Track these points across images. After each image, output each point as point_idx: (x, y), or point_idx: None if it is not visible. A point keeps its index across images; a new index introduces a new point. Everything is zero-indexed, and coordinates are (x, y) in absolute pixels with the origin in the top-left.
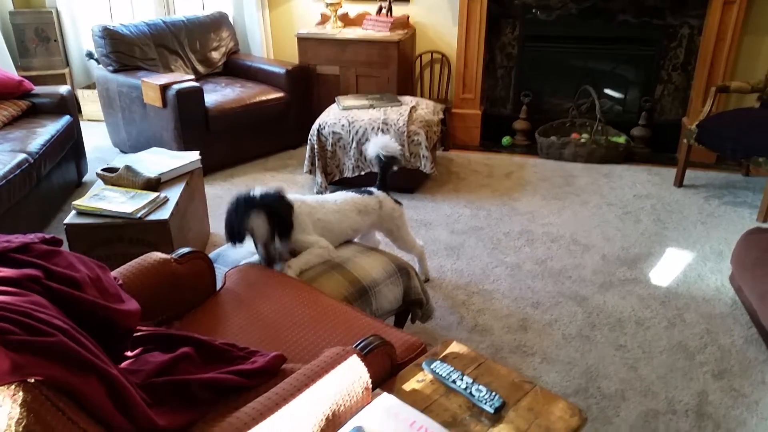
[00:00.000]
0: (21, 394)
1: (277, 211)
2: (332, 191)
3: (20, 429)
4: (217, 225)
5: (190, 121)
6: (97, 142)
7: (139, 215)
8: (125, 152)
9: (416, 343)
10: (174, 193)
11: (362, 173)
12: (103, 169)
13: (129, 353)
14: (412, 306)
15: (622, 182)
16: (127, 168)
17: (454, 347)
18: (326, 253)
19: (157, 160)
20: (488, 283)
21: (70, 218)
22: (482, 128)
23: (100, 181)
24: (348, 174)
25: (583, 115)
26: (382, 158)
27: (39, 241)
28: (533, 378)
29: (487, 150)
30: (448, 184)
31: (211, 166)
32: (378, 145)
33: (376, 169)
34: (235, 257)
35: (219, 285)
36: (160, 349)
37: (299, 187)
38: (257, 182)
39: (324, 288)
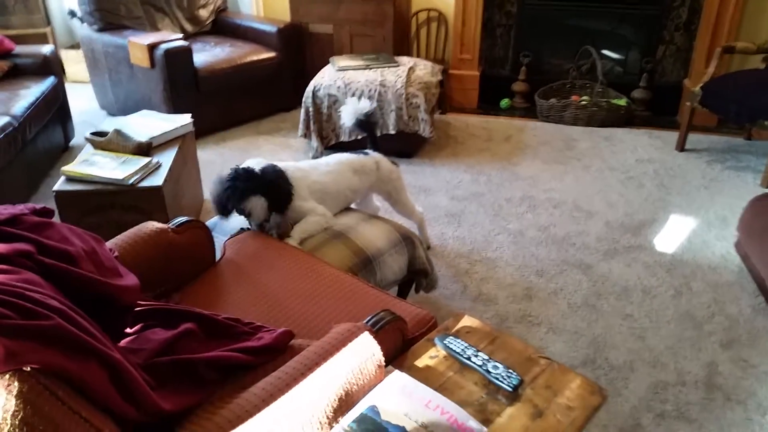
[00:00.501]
0: (16, 384)
1: (277, 193)
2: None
3: (17, 422)
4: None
5: (180, 82)
6: (84, 104)
7: (131, 181)
8: (113, 115)
9: (427, 316)
10: (166, 158)
11: (359, 137)
12: (92, 133)
13: (129, 330)
14: (417, 276)
15: (624, 146)
16: (117, 132)
17: (466, 321)
18: (323, 221)
19: (148, 124)
20: (491, 251)
21: (60, 185)
22: (480, 90)
23: (88, 146)
24: (344, 138)
25: (584, 77)
26: (363, 120)
27: (29, 212)
28: (540, 348)
29: (485, 113)
30: (446, 148)
31: (202, 130)
32: (351, 112)
33: (360, 133)
34: (234, 225)
35: (218, 255)
36: (161, 325)
37: (294, 152)
38: (251, 147)
39: (327, 258)
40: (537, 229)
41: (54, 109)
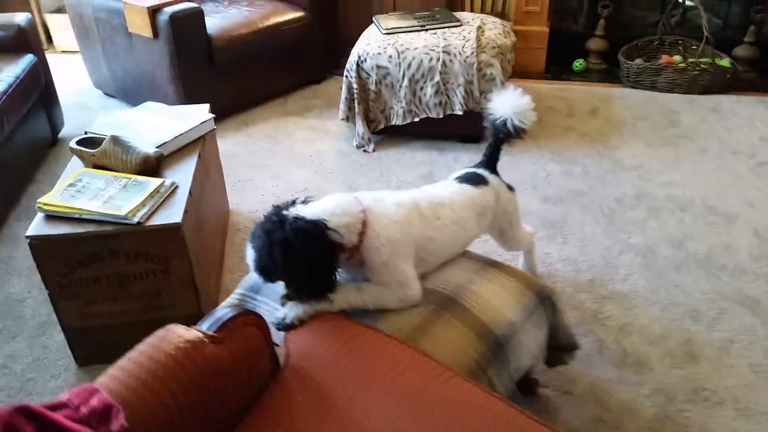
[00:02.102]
0: None
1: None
2: (376, 144)
3: None
4: (238, 197)
5: (190, 55)
6: (75, 82)
7: (137, 219)
8: (110, 95)
9: None
10: (184, 175)
11: (416, 119)
12: (79, 141)
13: None
14: (559, 352)
15: (738, 120)
16: (115, 141)
17: None
18: (405, 304)
19: (155, 123)
20: (618, 281)
21: (36, 226)
22: (548, 49)
23: (75, 160)
24: (397, 121)
25: (674, 32)
26: (510, 127)
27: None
28: None
29: (555, 78)
30: None
31: (218, 112)
32: (513, 107)
33: (487, 136)
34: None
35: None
36: None
37: (332, 139)
38: (279, 134)
39: (443, 345)
40: (670, 245)
41: (35, 95)
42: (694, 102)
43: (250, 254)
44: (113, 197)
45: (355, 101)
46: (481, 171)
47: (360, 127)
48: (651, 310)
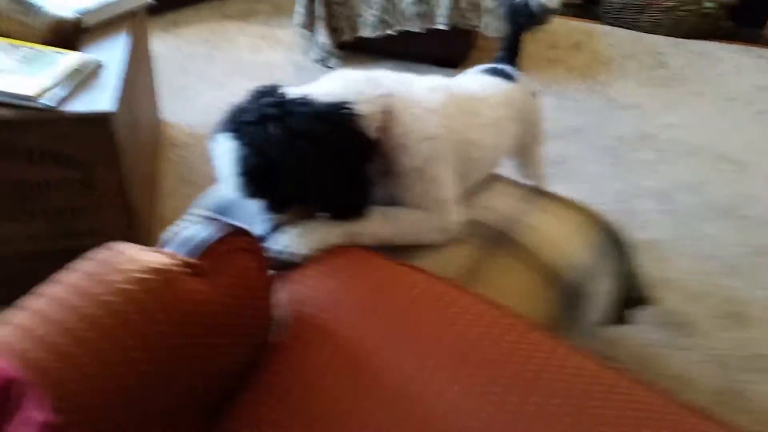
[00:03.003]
0: None
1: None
2: (340, 60)
3: None
4: (171, 108)
5: None
6: None
7: (49, 101)
8: None
9: None
10: (111, 55)
11: (389, 32)
12: None
13: None
14: (623, 308)
15: (725, 67)
16: None
17: None
18: (449, 236)
19: None
20: (638, 228)
21: None
22: None
23: None
24: (366, 32)
25: None
26: (535, 7)
27: None
28: None
29: None
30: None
31: None
32: None
33: (502, 28)
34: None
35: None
36: None
37: (285, 49)
38: (218, 38)
39: (502, 293)
40: (687, 190)
41: None
42: (679, 45)
43: (227, 154)
44: (10, 71)
45: (316, 2)
46: (501, 65)
47: (321, 36)
48: (683, 264)
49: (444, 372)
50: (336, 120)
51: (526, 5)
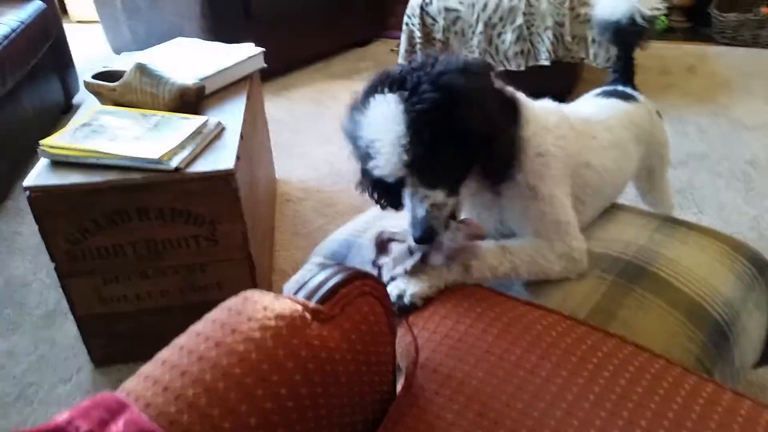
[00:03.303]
0: None
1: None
2: None
3: None
4: (283, 165)
5: (224, 6)
6: (91, 49)
7: (175, 163)
8: None
9: None
10: (231, 117)
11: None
12: (96, 75)
13: None
14: None
15: None
16: (142, 70)
17: None
18: (574, 269)
19: (190, 57)
20: None
21: (38, 174)
22: None
23: (90, 99)
24: None
25: None
26: (641, 21)
27: None
28: None
29: None
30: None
31: None
32: (621, 4)
33: (606, 51)
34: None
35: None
36: None
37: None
38: (326, 97)
39: (642, 333)
40: None
41: (43, 49)
42: None
43: (392, 118)
44: (141, 138)
45: (418, 54)
46: (622, 87)
47: None
48: None
49: (591, 428)
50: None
51: (633, 21)
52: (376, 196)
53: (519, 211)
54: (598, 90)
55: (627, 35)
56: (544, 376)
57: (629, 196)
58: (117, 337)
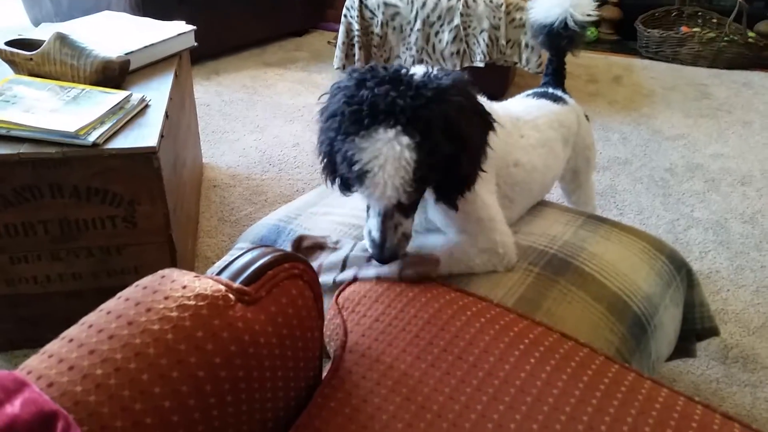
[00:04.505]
0: None
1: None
2: None
3: None
4: (212, 150)
5: None
6: (5, 22)
7: (92, 138)
8: None
9: None
10: (158, 94)
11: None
12: (9, 42)
13: None
14: (688, 340)
15: None
16: (62, 40)
17: None
18: (499, 262)
19: (116, 31)
20: (695, 259)
21: None
22: None
23: (4, 68)
24: None
25: (692, 3)
26: (573, 26)
27: None
28: None
29: None
30: None
31: None
32: (557, 5)
33: (544, 51)
34: (309, 227)
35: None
36: None
37: (322, 93)
38: (259, 84)
39: (566, 324)
40: (741, 220)
41: None
42: (722, 76)
43: (394, 153)
44: (57, 111)
45: (356, 46)
46: (550, 88)
47: None
48: (742, 294)
49: (517, 413)
50: (469, 91)
51: (566, 25)
52: (334, 181)
53: (442, 209)
54: (530, 91)
55: (559, 39)
56: (472, 361)
57: (554, 196)
58: (23, 321)
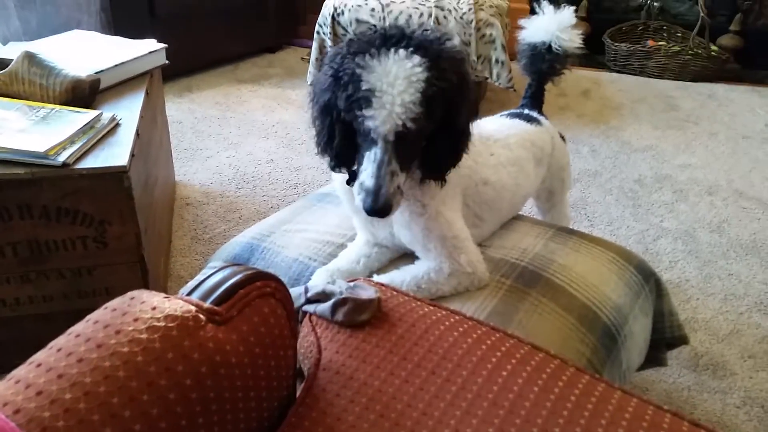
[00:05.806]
0: None
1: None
2: None
3: None
4: (185, 168)
5: (127, 1)
6: None
7: (62, 158)
8: None
9: None
10: (129, 113)
11: None
12: None
13: None
14: (658, 349)
15: (737, 107)
16: (30, 59)
17: None
18: (468, 282)
19: (86, 50)
20: (664, 268)
21: None
22: None
23: None
24: None
25: (658, 18)
26: (557, 50)
27: None
28: None
29: None
30: (509, 104)
31: None
32: (556, 24)
33: (526, 73)
34: (291, 243)
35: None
36: None
37: (297, 109)
38: (231, 101)
39: (537, 335)
40: (709, 229)
41: None
42: (688, 88)
43: (403, 73)
44: (26, 131)
45: None
46: (528, 110)
47: None
48: (712, 303)
49: (490, 427)
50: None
51: (549, 49)
52: (331, 150)
53: (406, 225)
54: (505, 112)
55: (541, 61)
56: (445, 375)
57: (526, 208)
58: None
